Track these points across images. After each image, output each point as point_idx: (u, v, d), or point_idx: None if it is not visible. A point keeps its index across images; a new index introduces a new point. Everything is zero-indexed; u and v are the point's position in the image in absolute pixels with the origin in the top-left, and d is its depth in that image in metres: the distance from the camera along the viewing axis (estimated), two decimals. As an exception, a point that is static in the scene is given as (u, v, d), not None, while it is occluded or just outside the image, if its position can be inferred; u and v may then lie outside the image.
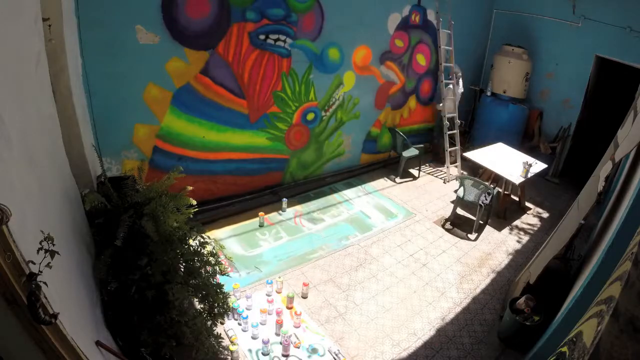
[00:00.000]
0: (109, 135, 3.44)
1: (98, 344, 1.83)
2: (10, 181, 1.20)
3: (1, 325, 1.15)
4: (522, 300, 3.14)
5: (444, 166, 6.01)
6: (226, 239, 4.02)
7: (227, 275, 2.93)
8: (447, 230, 4.69)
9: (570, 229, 3.28)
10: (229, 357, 2.81)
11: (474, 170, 5.77)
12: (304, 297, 3.47)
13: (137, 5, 3.30)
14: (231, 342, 2.91)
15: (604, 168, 3.12)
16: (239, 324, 3.11)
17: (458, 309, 3.55)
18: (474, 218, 4.73)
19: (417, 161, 5.92)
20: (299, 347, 2.98)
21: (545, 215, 5.27)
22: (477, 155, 5.21)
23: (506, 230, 4.85)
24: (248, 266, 3.75)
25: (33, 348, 1.23)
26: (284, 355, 2.92)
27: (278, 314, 3.17)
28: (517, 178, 4.69)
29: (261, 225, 4.31)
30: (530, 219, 5.17)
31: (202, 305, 2.58)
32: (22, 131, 1.39)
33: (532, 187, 5.73)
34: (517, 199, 5.33)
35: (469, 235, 4.62)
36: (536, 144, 6.54)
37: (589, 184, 3.30)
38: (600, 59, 5.69)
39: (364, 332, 3.22)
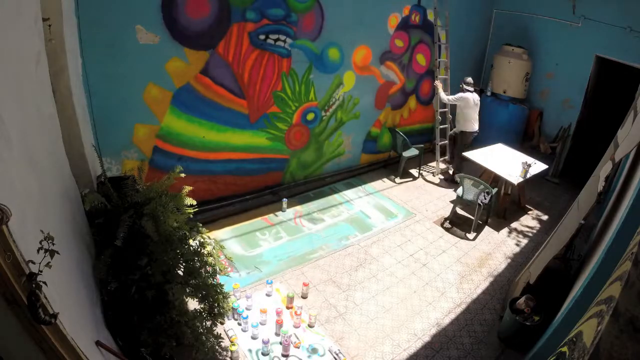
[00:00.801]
0: (109, 135, 3.44)
1: (98, 344, 1.83)
2: (10, 181, 1.20)
3: (1, 325, 1.15)
4: (522, 300, 3.14)
5: (441, 162, 6.01)
6: (226, 239, 4.02)
7: (227, 275, 2.93)
8: (446, 229, 4.69)
9: (570, 229, 3.28)
10: (229, 357, 2.81)
11: (474, 171, 5.76)
12: (304, 297, 3.47)
13: (137, 5, 3.30)
14: (231, 342, 2.91)
15: (604, 168, 3.12)
16: (239, 324, 3.11)
17: (458, 309, 3.55)
18: (474, 218, 4.73)
19: (417, 161, 5.93)
20: (299, 347, 2.98)
21: (545, 215, 5.27)
22: (477, 156, 5.21)
23: (506, 231, 4.85)
24: (248, 266, 3.75)
25: (33, 348, 1.23)
26: (283, 355, 2.92)
27: (278, 314, 3.17)
28: (515, 178, 4.69)
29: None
30: (530, 219, 5.17)
31: (202, 305, 2.58)
32: (22, 131, 1.39)
33: (532, 187, 5.73)
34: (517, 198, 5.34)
35: (468, 235, 4.62)
36: (536, 144, 6.54)
37: (589, 184, 3.29)
38: (600, 59, 5.68)
39: (364, 332, 3.22)
